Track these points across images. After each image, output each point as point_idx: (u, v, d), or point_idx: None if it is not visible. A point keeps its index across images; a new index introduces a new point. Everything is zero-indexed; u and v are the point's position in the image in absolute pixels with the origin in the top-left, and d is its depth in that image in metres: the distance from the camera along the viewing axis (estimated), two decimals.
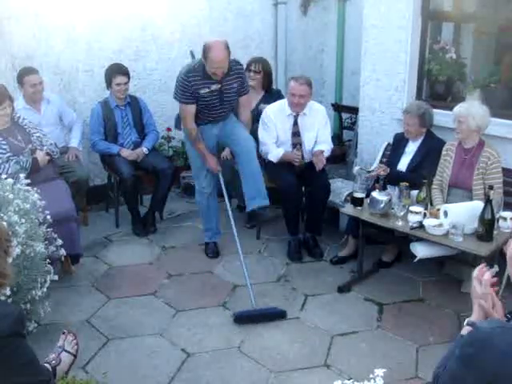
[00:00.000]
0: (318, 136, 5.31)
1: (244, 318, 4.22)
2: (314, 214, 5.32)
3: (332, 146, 5.43)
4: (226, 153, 5.72)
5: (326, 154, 5.29)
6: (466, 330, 2.09)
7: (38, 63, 5.51)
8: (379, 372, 1.62)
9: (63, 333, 2.71)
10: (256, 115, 5.45)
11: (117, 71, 5.67)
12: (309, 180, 5.23)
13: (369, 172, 5.19)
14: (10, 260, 2.16)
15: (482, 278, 2.17)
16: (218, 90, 4.68)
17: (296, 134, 5.28)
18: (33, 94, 5.40)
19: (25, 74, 5.37)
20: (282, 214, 5.32)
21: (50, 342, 2.69)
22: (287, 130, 5.26)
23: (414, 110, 4.82)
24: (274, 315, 4.29)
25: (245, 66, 5.81)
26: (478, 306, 2.14)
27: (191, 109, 4.76)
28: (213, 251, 5.29)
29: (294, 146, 5.27)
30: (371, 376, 1.63)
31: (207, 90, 4.65)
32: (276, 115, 5.23)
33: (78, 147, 5.78)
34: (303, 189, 5.34)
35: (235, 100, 4.88)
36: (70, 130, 5.81)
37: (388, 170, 4.85)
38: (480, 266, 2.22)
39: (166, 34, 6.55)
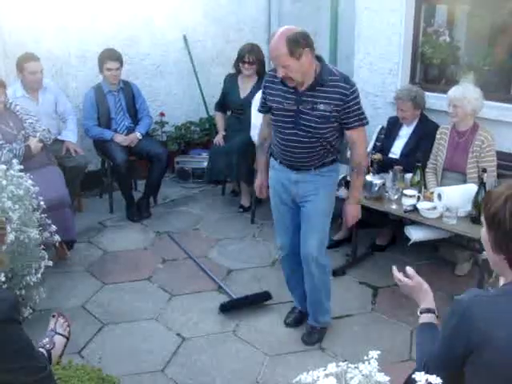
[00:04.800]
0: None
1: (229, 307, 4.19)
2: None
3: None
4: (218, 139, 5.89)
5: None
6: (422, 319, 2.15)
7: (29, 49, 5.44)
8: (374, 354, 1.63)
9: (53, 316, 2.70)
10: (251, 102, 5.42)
11: (108, 57, 5.63)
12: None
13: None
14: (4, 247, 2.15)
15: (402, 277, 2.28)
16: (295, 109, 3.41)
17: None
18: (32, 82, 5.31)
19: (24, 61, 5.24)
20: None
21: (45, 328, 2.67)
22: None
23: (406, 94, 4.82)
24: (259, 298, 4.27)
25: (237, 54, 5.80)
26: (420, 295, 2.23)
27: (264, 118, 3.76)
28: (295, 319, 4.08)
29: None
30: (366, 358, 1.63)
31: (280, 106, 3.47)
32: None
33: (74, 142, 5.62)
34: None
35: (326, 133, 3.42)
36: (62, 119, 5.68)
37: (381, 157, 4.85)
38: (396, 274, 2.34)
39: (159, 19, 6.51)
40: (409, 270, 2.28)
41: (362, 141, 3.59)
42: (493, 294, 1.85)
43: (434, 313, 2.16)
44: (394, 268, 2.34)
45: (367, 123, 3.55)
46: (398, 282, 2.29)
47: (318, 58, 3.39)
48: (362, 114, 3.47)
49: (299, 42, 3.20)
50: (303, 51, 3.21)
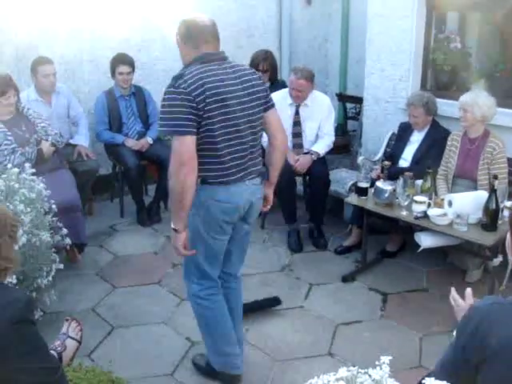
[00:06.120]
0: (321, 127, 5.29)
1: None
2: (314, 203, 5.32)
3: (333, 139, 5.40)
4: None
5: (327, 149, 5.30)
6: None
7: (41, 53, 5.47)
8: (385, 359, 1.63)
9: (66, 320, 2.72)
10: None
11: (120, 61, 5.67)
12: (307, 170, 5.22)
13: (374, 162, 5.20)
14: (16, 246, 2.17)
15: (462, 301, 2.21)
16: None
17: (297, 123, 5.26)
18: (45, 85, 5.33)
19: (38, 64, 5.27)
20: (277, 202, 5.29)
21: (55, 330, 2.69)
22: (287, 118, 5.20)
23: (418, 100, 4.82)
24: (268, 303, 4.26)
25: (250, 61, 5.78)
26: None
27: None
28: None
29: (295, 135, 5.27)
30: (377, 363, 1.63)
31: None
32: (278, 103, 5.21)
33: (86, 146, 5.65)
34: (307, 178, 5.35)
35: None
36: (74, 123, 5.71)
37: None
38: (454, 295, 2.28)
39: (170, 24, 6.50)
40: (469, 292, 2.22)
41: (172, 154, 3.05)
42: (510, 301, 1.82)
43: None
44: (453, 289, 2.29)
45: (162, 133, 3.06)
46: (455, 305, 2.23)
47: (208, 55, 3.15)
48: (162, 120, 2.96)
49: (178, 29, 3.15)
50: (178, 39, 3.16)
